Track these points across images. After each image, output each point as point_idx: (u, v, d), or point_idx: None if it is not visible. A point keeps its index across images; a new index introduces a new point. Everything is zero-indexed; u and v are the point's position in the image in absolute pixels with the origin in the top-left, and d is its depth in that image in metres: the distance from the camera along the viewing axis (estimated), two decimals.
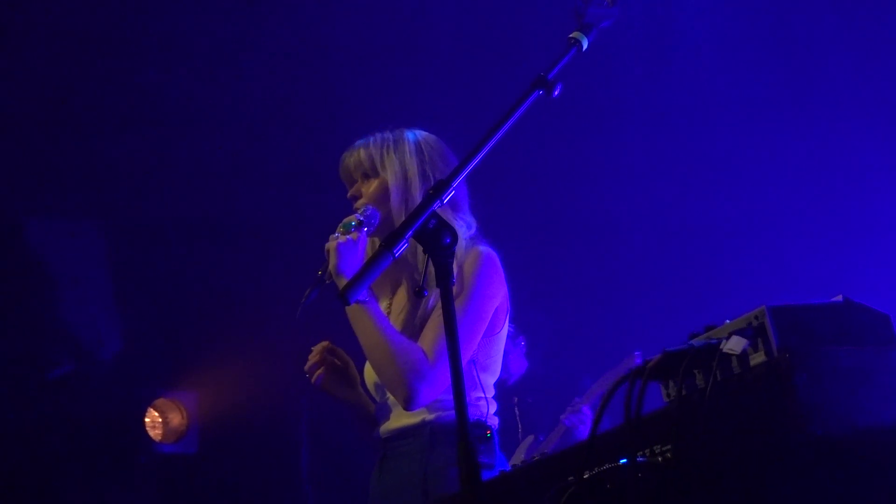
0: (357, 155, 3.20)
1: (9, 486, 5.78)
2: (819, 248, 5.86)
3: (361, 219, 3.09)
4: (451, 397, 2.92)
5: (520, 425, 5.74)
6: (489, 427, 3.10)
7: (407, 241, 2.22)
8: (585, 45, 2.55)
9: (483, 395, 3.13)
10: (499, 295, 3.14)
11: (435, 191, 2.28)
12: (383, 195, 3.14)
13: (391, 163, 3.15)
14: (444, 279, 2.22)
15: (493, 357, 3.20)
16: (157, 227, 6.33)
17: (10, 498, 5.83)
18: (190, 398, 6.35)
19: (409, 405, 2.95)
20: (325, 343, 3.27)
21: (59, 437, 5.93)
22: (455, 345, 2.18)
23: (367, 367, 3.26)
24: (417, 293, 2.30)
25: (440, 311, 2.77)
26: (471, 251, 3.12)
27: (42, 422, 5.90)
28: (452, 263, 2.25)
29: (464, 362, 2.86)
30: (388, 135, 3.22)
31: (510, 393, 5.83)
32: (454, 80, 6.13)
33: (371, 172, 3.18)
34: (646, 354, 1.89)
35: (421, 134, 3.25)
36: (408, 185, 3.13)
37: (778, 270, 5.92)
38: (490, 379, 3.21)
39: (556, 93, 2.46)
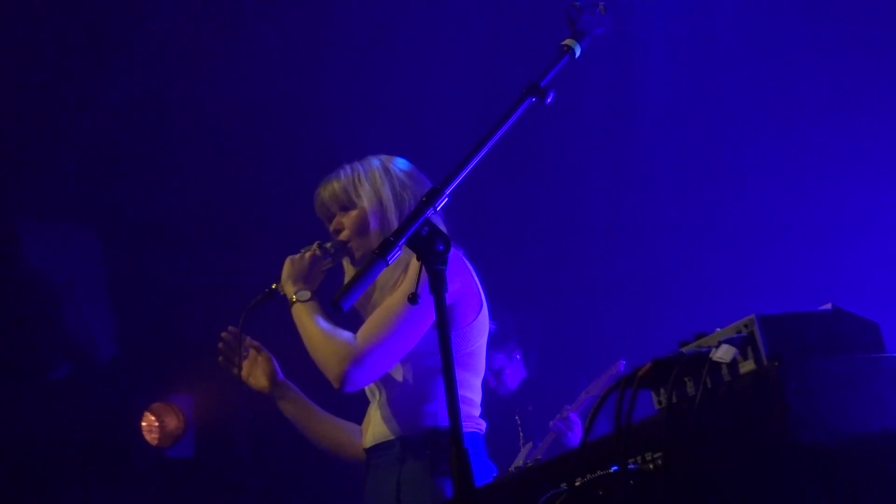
0: (331, 188, 3.34)
1: (5, 491, 5.78)
2: (810, 255, 5.87)
3: (324, 245, 3.31)
4: (423, 409, 3.13)
5: (521, 433, 5.77)
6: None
7: (400, 249, 2.23)
8: (578, 53, 2.57)
9: (461, 396, 3.14)
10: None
11: (428, 198, 2.28)
12: (363, 224, 3.28)
13: (365, 192, 3.29)
14: (438, 286, 2.23)
15: (469, 350, 3.21)
16: (153, 230, 6.33)
17: (7, 501, 5.83)
18: (186, 402, 6.35)
19: (340, 385, 3.06)
20: (233, 329, 3.47)
21: (56, 441, 5.93)
22: (448, 353, 2.18)
23: None
24: (411, 299, 2.30)
25: (382, 305, 3.08)
26: None
27: (38, 426, 5.89)
28: (445, 270, 2.25)
29: (399, 353, 3.07)
30: (356, 165, 3.37)
31: (512, 405, 5.85)
32: (448, 87, 6.13)
33: (348, 204, 3.31)
34: (639, 361, 1.90)
35: (386, 158, 3.39)
36: (384, 210, 3.27)
37: (769, 278, 5.94)
38: (469, 377, 3.23)
39: (548, 100, 2.47)
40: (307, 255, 3.29)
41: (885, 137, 5.79)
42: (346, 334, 3.12)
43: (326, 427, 3.52)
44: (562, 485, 2.01)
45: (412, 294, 2.29)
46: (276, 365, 3.52)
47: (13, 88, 5.53)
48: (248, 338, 3.52)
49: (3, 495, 5.80)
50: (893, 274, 5.68)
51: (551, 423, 5.63)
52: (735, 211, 6.23)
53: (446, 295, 3.01)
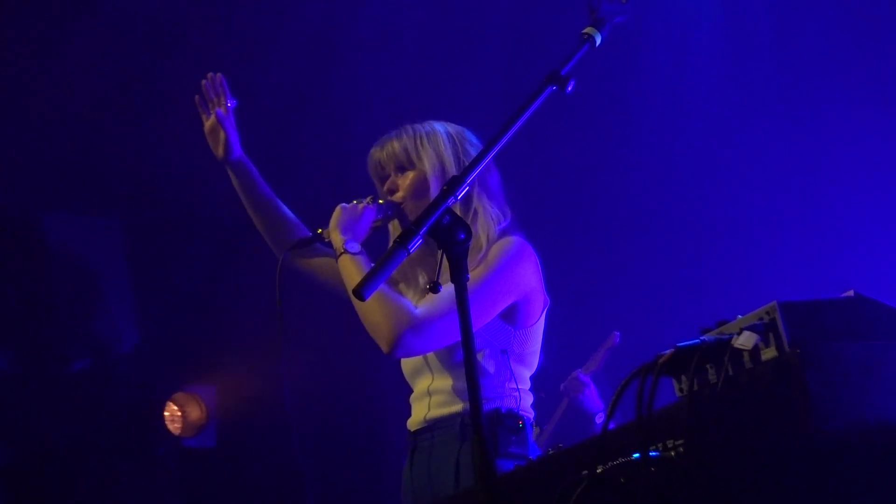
0: (390, 147, 3.22)
1: (28, 479, 5.83)
2: (831, 243, 5.85)
3: (379, 201, 3.17)
4: (485, 394, 3.04)
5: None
6: (521, 417, 3.11)
7: (421, 238, 2.22)
8: (598, 41, 2.56)
9: (517, 387, 3.15)
10: (523, 283, 3.13)
11: (449, 187, 2.27)
12: (422, 187, 3.17)
13: (427, 154, 3.18)
14: (459, 275, 2.24)
15: (529, 349, 3.21)
16: (176, 221, 6.35)
17: (31, 490, 5.88)
18: (209, 392, 6.38)
19: (392, 349, 2.96)
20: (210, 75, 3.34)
21: (79, 430, 5.97)
22: (469, 339, 2.19)
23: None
24: (431, 288, 2.30)
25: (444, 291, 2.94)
26: (501, 239, 3.15)
27: (62, 416, 5.94)
28: (466, 259, 2.26)
29: (457, 333, 2.94)
30: (418, 127, 3.25)
31: None
32: (469, 77, 6.12)
33: (407, 164, 3.20)
34: (659, 349, 1.90)
35: (450, 125, 3.28)
36: (445, 176, 3.13)
37: (791, 266, 5.91)
38: (525, 371, 3.22)
39: (569, 88, 2.46)
40: (360, 206, 3.16)
41: None
42: (404, 299, 3.04)
43: (269, 209, 3.43)
44: (583, 472, 2.01)
45: (433, 283, 2.29)
46: (234, 139, 3.35)
47: (37, 83, 5.56)
48: (219, 75, 3.37)
49: (28, 486, 5.85)
50: None
51: (562, 386, 5.63)
52: (754, 200, 6.21)
53: (517, 292, 3.08)
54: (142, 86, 5.84)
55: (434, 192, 3.09)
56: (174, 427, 6.26)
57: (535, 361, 3.25)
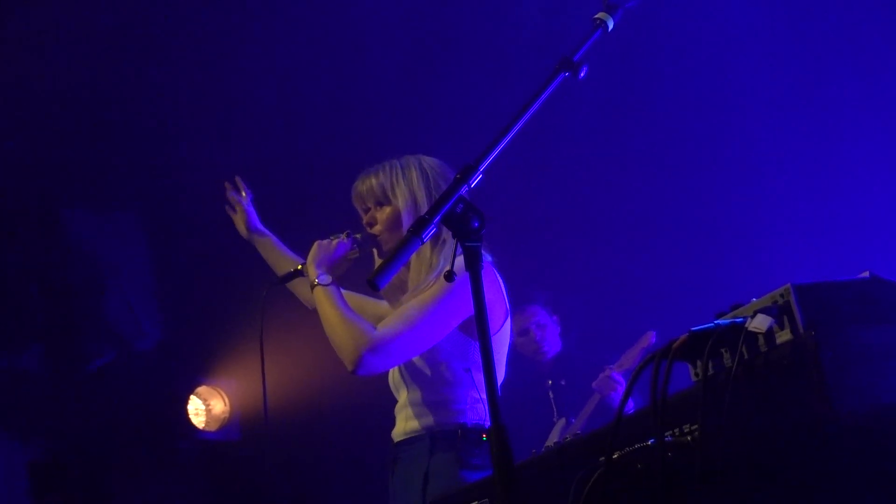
0: (368, 183, 3.46)
1: (55, 476, 5.87)
2: (847, 227, 5.82)
3: (354, 235, 3.43)
4: (451, 408, 3.27)
5: (554, 408, 5.75)
6: (486, 430, 3.16)
7: (436, 226, 2.22)
8: (611, 26, 2.54)
9: (479, 397, 3.30)
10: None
11: (462, 175, 2.27)
12: (396, 222, 3.40)
13: (401, 191, 3.41)
14: (474, 264, 2.22)
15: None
16: (196, 216, 6.37)
17: (59, 485, 5.92)
18: (231, 386, 6.41)
19: (354, 368, 3.19)
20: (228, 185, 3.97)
21: (104, 426, 6.01)
22: (486, 336, 2.17)
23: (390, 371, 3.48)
24: (447, 276, 2.29)
25: (408, 302, 3.22)
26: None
27: (87, 411, 5.98)
28: (481, 247, 2.25)
29: (416, 348, 3.22)
30: (395, 163, 3.48)
31: (544, 376, 5.84)
32: (479, 71, 6.13)
33: (384, 200, 3.43)
34: (675, 334, 1.89)
35: (425, 159, 3.50)
36: (418, 211, 3.37)
37: (807, 251, 5.90)
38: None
39: (581, 74, 2.45)
40: (334, 241, 3.41)
41: None
42: (366, 322, 3.25)
43: (285, 264, 3.82)
44: (600, 458, 2.01)
45: (448, 271, 2.28)
46: (251, 215, 3.98)
47: (58, 80, 5.59)
48: (238, 178, 3.99)
49: (57, 481, 5.89)
50: None
51: (594, 384, 5.64)
52: (768, 193, 6.20)
53: (469, 306, 3.12)
54: (164, 83, 5.87)
55: (406, 226, 3.33)
56: (198, 421, 6.29)
57: (500, 371, 3.38)
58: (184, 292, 6.43)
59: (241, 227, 4.02)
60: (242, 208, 4.00)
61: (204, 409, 6.33)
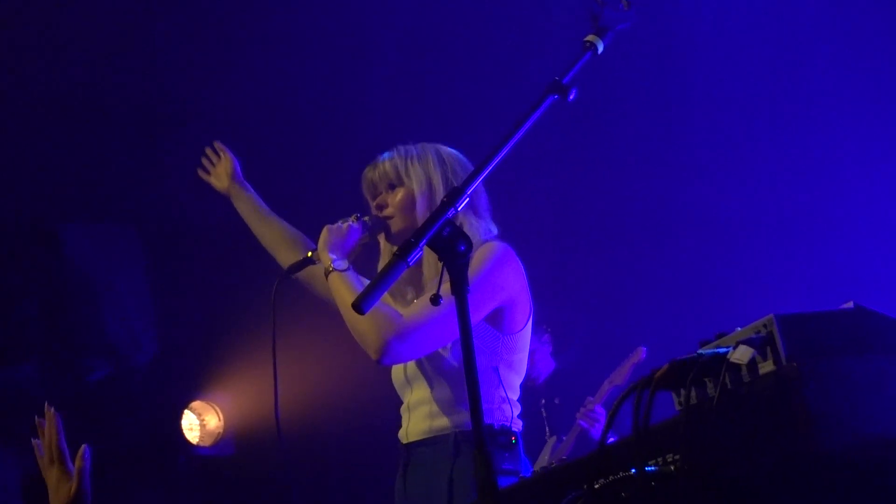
0: (382, 167, 3.34)
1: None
2: (836, 250, 5.81)
3: (364, 219, 3.29)
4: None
5: (547, 426, 5.74)
6: (513, 433, 3.13)
7: (421, 250, 2.21)
8: (601, 49, 2.53)
9: (506, 396, 3.17)
10: (508, 287, 3.16)
11: (449, 198, 2.26)
12: (409, 204, 3.27)
13: (416, 173, 3.28)
14: (460, 287, 2.21)
15: (517, 355, 3.23)
16: (192, 230, 6.37)
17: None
18: (226, 401, 6.39)
19: (379, 356, 3.04)
20: (217, 145, 3.81)
21: (97, 440, 5.97)
22: (470, 354, 2.17)
23: (395, 368, 3.32)
24: (433, 300, 2.28)
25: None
26: (484, 245, 3.18)
27: (80, 425, 5.95)
28: (467, 271, 2.24)
29: (444, 338, 3.06)
30: (410, 147, 3.35)
31: (538, 394, 5.82)
32: (468, 86, 6.12)
33: (396, 182, 3.31)
34: (667, 356, 1.88)
35: (441, 146, 3.38)
36: (432, 194, 3.24)
37: (795, 272, 5.89)
38: (514, 378, 3.23)
39: (571, 97, 2.44)
40: (345, 225, 3.26)
41: None
42: (392, 308, 3.12)
43: (272, 228, 3.68)
44: (583, 487, 1.99)
45: (434, 296, 2.27)
46: (237, 166, 3.76)
47: (51, 91, 5.59)
48: (218, 142, 3.80)
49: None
50: None
51: (577, 416, 5.60)
52: (764, 206, 6.19)
53: (501, 296, 3.09)
54: (159, 96, 5.86)
55: (421, 209, 3.23)
56: (192, 436, 6.27)
57: (523, 368, 3.27)
58: (179, 307, 6.42)
59: (223, 178, 3.79)
60: (228, 157, 3.79)
61: (198, 424, 6.31)
